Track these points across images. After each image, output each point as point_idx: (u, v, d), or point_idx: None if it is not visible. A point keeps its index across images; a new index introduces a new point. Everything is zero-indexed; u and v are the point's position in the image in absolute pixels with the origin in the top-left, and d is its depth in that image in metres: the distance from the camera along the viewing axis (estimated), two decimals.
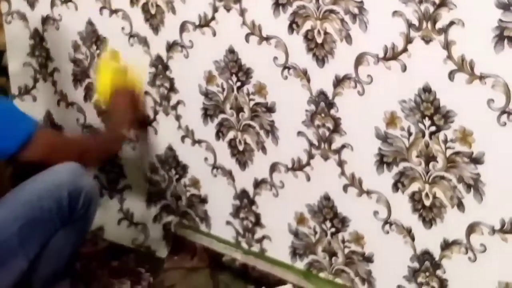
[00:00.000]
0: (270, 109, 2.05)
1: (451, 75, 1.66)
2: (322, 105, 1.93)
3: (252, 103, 2.08)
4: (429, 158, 1.76)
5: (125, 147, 2.47)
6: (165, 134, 2.37)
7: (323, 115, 1.94)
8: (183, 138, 2.31)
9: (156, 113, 2.35)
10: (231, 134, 2.18)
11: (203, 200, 2.35)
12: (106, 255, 2.48)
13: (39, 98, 2.68)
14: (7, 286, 1.99)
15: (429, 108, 1.72)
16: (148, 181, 2.48)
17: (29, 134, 2.01)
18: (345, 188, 1.96)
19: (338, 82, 1.88)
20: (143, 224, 2.54)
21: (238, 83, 2.09)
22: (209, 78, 2.16)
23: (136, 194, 2.53)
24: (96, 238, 2.52)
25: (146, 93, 2.35)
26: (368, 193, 1.92)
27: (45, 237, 2.02)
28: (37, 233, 2.00)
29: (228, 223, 2.31)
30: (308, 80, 1.93)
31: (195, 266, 2.40)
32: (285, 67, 1.97)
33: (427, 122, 1.74)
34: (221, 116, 2.18)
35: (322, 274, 2.12)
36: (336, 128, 1.93)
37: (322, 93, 1.92)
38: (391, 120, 1.80)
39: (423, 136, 1.76)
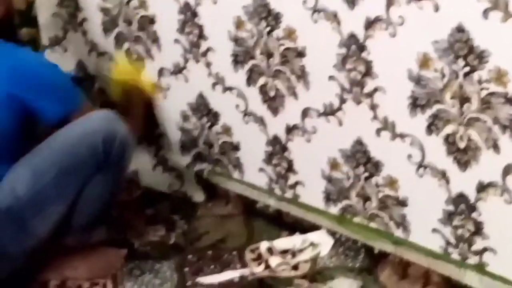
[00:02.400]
0: (300, 54, 2.02)
1: (485, 14, 1.61)
2: (353, 48, 1.89)
3: (282, 48, 2.06)
4: (463, 99, 1.73)
5: (157, 96, 2.45)
6: (195, 81, 2.35)
7: (354, 58, 1.90)
8: (214, 85, 2.29)
9: (186, 60, 2.33)
10: (261, 80, 2.16)
11: (235, 147, 2.34)
12: (142, 203, 2.49)
13: (69, 48, 2.66)
14: (47, 230, 2.04)
15: (462, 49, 1.69)
16: (180, 129, 2.47)
17: (78, 104, 2.09)
18: (378, 132, 1.94)
19: (369, 24, 1.84)
20: (177, 171, 2.54)
21: (268, 28, 2.06)
22: (238, 24, 2.13)
23: (169, 142, 2.52)
24: (132, 185, 2.51)
25: (176, 41, 2.31)
26: (402, 136, 1.89)
27: (81, 183, 2.05)
28: (73, 179, 2.03)
29: (261, 169, 2.30)
30: (338, 23, 1.90)
31: (229, 213, 2.41)
32: (315, 10, 1.94)
33: (461, 62, 1.70)
34: (251, 62, 2.15)
35: (356, 219, 2.11)
36: (368, 71, 1.89)
37: (353, 36, 1.88)
38: (424, 62, 1.77)
39: (457, 77, 1.72)
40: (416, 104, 1.83)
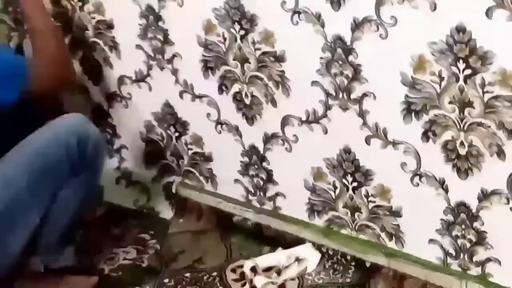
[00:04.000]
0: (279, 59, 1.88)
1: (489, 12, 1.48)
2: (339, 51, 1.76)
3: (258, 52, 1.90)
4: (464, 104, 1.62)
5: (117, 105, 2.28)
6: (161, 90, 2.19)
7: (340, 62, 1.77)
8: (181, 94, 2.14)
9: (149, 67, 2.17)
10: (236, 87, 2.01)
11: (207, 158, 2.19)
12: (106, 221, 2.31)
13: None
14: (20, 247, 1.87)
15: (463, 50, 1.56)
16: (144, 140, 2.30)
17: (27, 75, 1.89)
18: (367, 139, 1.81)
19: (357, 25, 1.71)
20: (142, 184, 2.38)
21: (242, 32, 1.91)
22: (208, 28, 1.97)
23: (133, 154, 2.35)
24: (94, 205, 2.33)
25: (138, 46, 2.14)
26: (394, 144, 1.77)
27: (56, 187, 1.91)
28: (47, 183, 1.89)
29: (236, 181, 2.16)
30: (323, 25, 1.76)
31: (202, 228, 2.26)
32: (295, 11, 1.79)
33: (461, 65, 1.58)
34: (224, 68, 1.99)
35: (344, 231, 1.99)
36: (356, 75, 1.76)
37: (338, 39, 1.75)
38: (420, 65, 1.65)
39: (457, 80, 1.60)
40: (410, 110, 1.71)
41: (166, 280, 2.04)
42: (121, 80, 2.26)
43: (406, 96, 1.70)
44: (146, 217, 2.35)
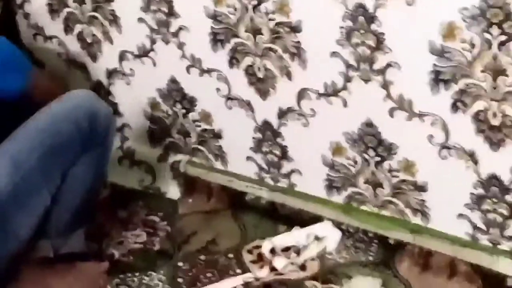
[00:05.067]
0: (294, 29, 1.78)
1: None
2: (361, 19, 1.66)
3: (272, 23, 1.80)
4: (498, 72, 1.53)
5: (119, 81, 2.17)
6: (166, 65, 2.08)
7: (362, 31, 1.67)
8: (188, 69, 2.03)
9: (153, 42, 2.06)
10: (247, 60, 1.91)
11: (217, 135, 2.09)
12: (111, 203, 2.21)
13: None
14: (30, 229, 1.76)
15: (497, 15, 1.47)
16: (149, 118, 2.20)
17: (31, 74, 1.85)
18: (391, 112, 1.73)
19: None
20: (147, 164, 2.28)
21: (254, 2, 1.80)
22: None
23: (136, 133, 2.25)
24: None
25: (140, 20, 2.03)
26: (421, 115, 1.69)
27: (67, 164, 1.79)
28: (58, 161, 1.77)
29: (248, 158, 2.06)
30: None
31: (213, 208, 2.17)
32: None
33: (495, 31, 1.50)
34: (234, 40, 1.89)
35: (364, 207, 1.91)
36: (379, 45, 1.67)
37: (360, 6, 1.65)
38: (449, 32, 1.55)
39: (490, 47, 1.51)
40: (438, 80, 1.63)
41: (181, 264, 1.95)
42: (122, 55, 2.15)
43: (434, 65, 1.61)
44: (152, 198, 2.25)
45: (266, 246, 1.92)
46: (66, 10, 2.20)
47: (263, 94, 1.92)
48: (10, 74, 1.80)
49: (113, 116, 1.90)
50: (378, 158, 1.82)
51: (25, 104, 1.81)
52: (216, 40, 1.93)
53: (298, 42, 1.79)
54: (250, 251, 1.96)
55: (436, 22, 1.57)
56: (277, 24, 1.80)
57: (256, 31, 1.84)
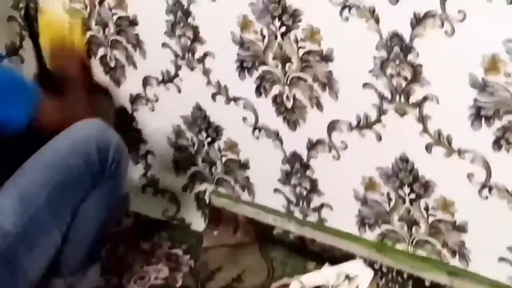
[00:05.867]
0: (326, 58, 1.68)
1: None
2: (396, 50, 1.56)
3: (302, 51, 1.70)
4: None
5: (142, 107, 2.09)
6: (191, 91, 1.99)
7: (397, 62, 1.57)
8: (214, 96, 1.93)
9: (178, 68, 1.97)
10: (275, 89, 1.81)
11: (244, 166, 2.00)
12: (134, 234, 2.12)
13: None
14: (40, 270, 1.68)
15: None
16: (173, 146, 2.11)
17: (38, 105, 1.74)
18: (428, 147, 1.62)
19: (418, 21, 1.50)
20: (171, 193, 2.20)
21: (283, 28, 1.70)
22: (244, 24, 1.77)
23: (160, 161, 2.16)
24: (120, 215, 2.15)
25: (164, 45, 1.94)
26: (460, 152, 1.58)
27: (77, 201, 1.71)
28: (68, 197, 1.69)
29: (276, 190, 1.96)
30: (377, 21, 1.56)
31: (240, 241, 2.07)
32: (345, 6, 1.58)
33: None
34: (262, 68, 1.79)
35: (399, 246, 1.79)
36: (416, 77, 1.56)
37: (396, 35, 1.55)
38: (492, 65, 1.44)
39: None
40: (480, 115, 1.51)
41: None
42: (146, 81, 2.06)
43: (475, 100, 1.49)
44: (176, 228, 2.16)
45: (294, 285, 1.81)
46: (89, 33, 2.11)
47: (292, 124, 1.83)
48: (14, 106, 1.70)
49: (124, 146, 1.79)
50: (413, 195, 1.71)
51: (31, 136, 1.72)
52: (243, 67, 1.84)
53: (330, 71, 1.69)
54: None
55: (478, 54, 1.45)
56: (307, 52, 1.69)
57: (285, 59, 1.74)
